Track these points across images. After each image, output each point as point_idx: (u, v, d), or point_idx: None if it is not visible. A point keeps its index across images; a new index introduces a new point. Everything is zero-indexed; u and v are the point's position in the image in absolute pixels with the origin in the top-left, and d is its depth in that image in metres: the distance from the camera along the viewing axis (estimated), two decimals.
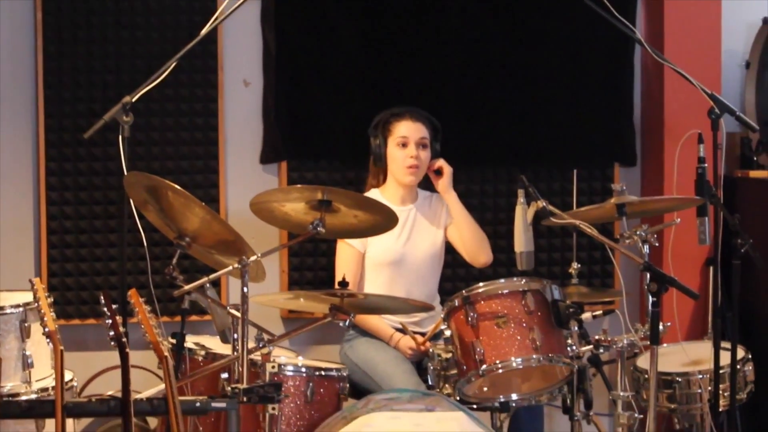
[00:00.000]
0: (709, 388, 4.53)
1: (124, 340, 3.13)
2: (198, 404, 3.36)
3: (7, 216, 5.07)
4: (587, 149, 5.43)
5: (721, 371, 4.46)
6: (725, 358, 4.43)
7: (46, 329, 3.18)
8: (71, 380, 4.36)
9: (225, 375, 3.86)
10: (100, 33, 5.07)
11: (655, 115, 5.45)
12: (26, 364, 4.19)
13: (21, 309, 4.20)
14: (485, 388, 4.15)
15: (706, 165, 4.34)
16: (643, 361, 4.70)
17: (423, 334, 4.52)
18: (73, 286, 5.09)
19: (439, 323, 4.33)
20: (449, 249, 4.77)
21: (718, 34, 5.41)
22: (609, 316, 4.54)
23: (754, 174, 5.31)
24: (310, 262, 5.27)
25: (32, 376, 4.21)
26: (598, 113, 5.43)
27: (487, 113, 5.32)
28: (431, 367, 4.21)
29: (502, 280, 4.13)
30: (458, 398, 4.06)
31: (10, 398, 4.07)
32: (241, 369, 3.63)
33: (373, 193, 4.68)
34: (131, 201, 4.05)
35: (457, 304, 4.08)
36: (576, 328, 4.11)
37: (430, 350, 4.25)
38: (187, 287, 3.74)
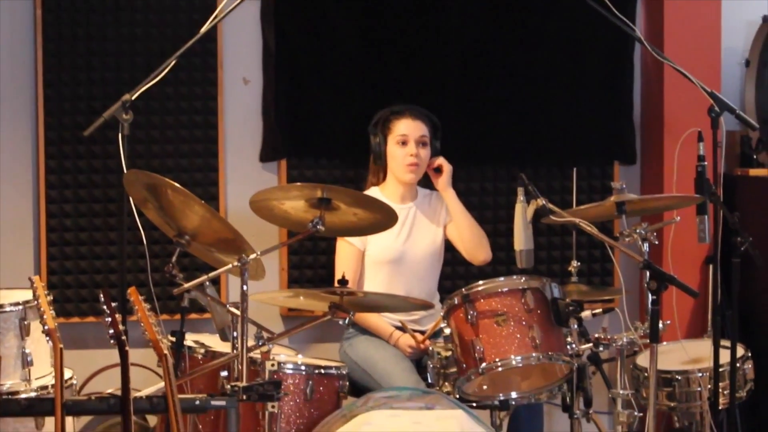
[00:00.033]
0: (709, 386, 4.54)
1: (124, 338, 3.13)
2: (197, 402, 3.37)
3: (7, 214, 5.07)
4: (587, 147, 5.43)
5: (720, 369, 4.46)
6: (725, 356, 4.43)
7: (46, 327, 3.18)
8: (71, 378, 4.36)
9: (224, 373, 3.85)
10: (99, 31, 5.07)
11: (654, 113, 5.45)
12: (26, 362, 4.19)
13: (20, 307, 4.21)
14: (485, 387, 4.15)
15: (705, 163, 4.34)
16: (642, 360, 4.70)
17: (422, 333, 4.52)
18: (73, 284, 5.09)
19: (438, 321, 4.33)
20: (449, 247, 4.77)
21: (717, 32, 5.41)
22: (609, 314, 4.54)
23: (754, 172, 5.31)
24: (310, 260, 5.27)
25: (32, 374, 4.21)
26: (598, 111, 5.43)
27: (486, 111, 5.32)
28: (431, 366, 4.20)
29: (502, 279, 4.14)
30: (458, 396, 4.06)
31: (10, 396, 4.07)
32: (240, 367, 3.63)
33: (372, 191, 4.68)
34: (131, 199, 4.05)
35: (456, 302, 4.08)
36: (576, 327, 4.11)
37: (430, 348, 4.25)
38: (186, 285, 3.74)
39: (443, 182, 4.69)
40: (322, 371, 4.09)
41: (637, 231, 4.16)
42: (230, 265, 3.71)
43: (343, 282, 3.91)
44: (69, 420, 3.79)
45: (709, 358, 4.45)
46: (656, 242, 4.22)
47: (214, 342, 4.15)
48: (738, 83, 5.49)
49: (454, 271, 5.22)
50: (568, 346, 4.07)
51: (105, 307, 3.16)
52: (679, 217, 4.57)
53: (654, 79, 5.44)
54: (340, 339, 4.71)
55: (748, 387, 4.67)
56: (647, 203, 4.56)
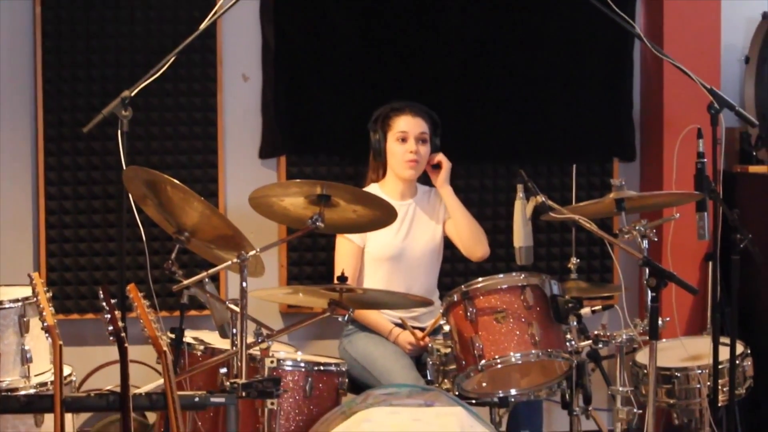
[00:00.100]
0: (708, 383, 4.54)
1: (123, 334, 3.13)
2: (197, 399, 3.36)
3: (6, 211, 5.07)
4: (586, 144, 5.43)
5: (720, 366, 4.46)
6: (724, 353, 4.43)
7: (45, 324, 3.18)
8: (70, 375, 4.36)
9: (224, 370, 3.87)
10: (98, 27, 5.07)
11: (654, 110, 5.45)
12: (25, 359, 4.19)
13: (20, 304, 4.20)
14: (484, 383, 4.16)
15: (705, 160, 4.34)
16: (642, 356, 4.70)
17: (422, 329, 4.52)
18: (72, 280, 5.09)
19: (438, 318, 4.33)
20: (448, 244, 4.77)
21: (717, 29, 5.41)
22: (608, 311, 4.55)
23: (754, 169, 5.31)
24: (309, 256, 5.27)
25: (31, 370, 4.21)
26: (598, 108, 5.43)
27: (486, 108, 5.32)
28: (430, 362, 4.21)
29: (501, 275, 4.13)
30: (457, 393, 4.06)
31: (9, 393, 4.07)
32: (239, 364, 3.63)
33: (372, 188, 4.68)
34: (130, 196, 4.04)
35: (456, 299, 4.08)
36: (575, 323, 4.11)
37: (429, 345, 4.25)
38: (186, 282, 3.73)
39: (441, 179, 4.68)
40: (322, 368, 4.09)
41: (637, 228, 4.16)
42: (229, 262, 3.71)
43: (343, 279, 3.91)
44: (68, 417, 3.80)
45: (708, 355, 4.45)
46: (656, 239, 4.22)
47: (214, 339, 4.14)
48: (737, 80, 5.49)
49: (454, 268, 5.22)
50: (568, 343, 4.08)
51: (104, 303, 3.15)
52: (678, 214, 4.58)
53: (653, 76, 5.44)
54: (339, 336, 4.71)
55: (747, 384, 4.67)
56: (647, 200, 4.55)
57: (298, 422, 4.01)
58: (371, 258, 4.63)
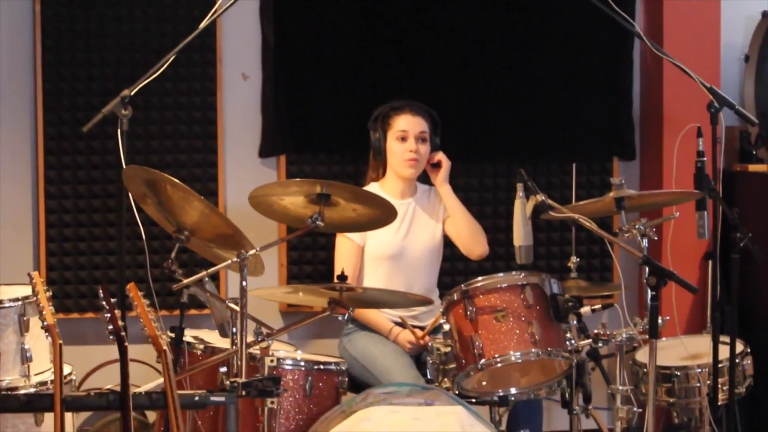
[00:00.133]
0: (708, 382, 4.54)
1: (123, 333, 3.13)
2: (197, 398, 3.36)
3: (6, 210, 5.07)
4: (586, 143, 5.43)
5: (719, 365, 4.46)
6: (724, 352, 4.43)
7: (45, 323, 3.18)
8: (70, 374, 4.36)
9: (224, 369, 3.86)
10: (98, 26, 5.07)
11: (654, 109, 5.45)
12: (25, 358, 4.19)
13: (20, 303, 4.20)
14: (484, 382, 4.16)
15: (705, 159, 4.34)
16: (641, 355, 4.70)
17: (422, 328, 4.52)
18: (72, 279, 5.09)
19: (438, 317, 4.33)
20: (447, 243, 4.77)
21: (717, 27, 5.41)
22: (608, 310, 4.55)
23: (753, 168, 5.31)
24: (309, 255, 5.27)
25: (31, 369, 4.21)
26: (597, 107, 5.43)
27: (486, 107, 5.32)
28: (430, 361, 4.21)
29: (501, 274, 4.13)
30: (457, 392, 4.06)
31: (9, 392, 4.07)
32: (239, 363, 3.63)
33: (372, 187, 4.67)
34: (130, 194, 4.04)
35: (455, 298, 4.08)
36: (575, 322, 4.11)
37: (429, 344, 4.25)
38: (185, 281, 3.73)
39: (440, 178, 4.68)
40: (322, 367, 4.09)
41: (637, 227, 4.16)
42: (229, 261, 3.71)
43: (343, 278, 3.91)
44: (68, 416, 3.80)
45: (708, 354, 4.45)
46: (655, 238, 4.22)
47: (214, 338, 4.14)
48: (737, 79, 5.49)
49: (454, 266, 5.22)
50: (568, 342, 4.08)
51: (104, 302, 3.15)
52: (678, 213, 4.58)
53: (653, 75, 5.44)
54: (339, 335, 4.71)
55: (747, 383, 4.67)
56: (646, 199, 4.55)
57: (298, 421, 4.01)
58: (371, 257, 4.63)
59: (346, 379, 4.16)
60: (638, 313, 5.12)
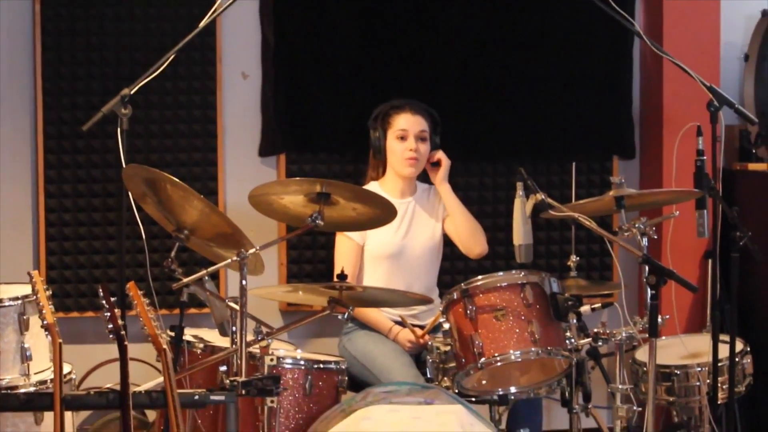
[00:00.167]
0: (708, 380, 4.54)
1: (123, 332, 3.13)
2: (197, 397, 3.36)
3: (6, 209, 5.07)
4: (586, 142, 5.43)
5: (719, 364, 4.46)
6: (724, 350, 4.43)
7: (45, 322, 3.18)
8: (70, 373, 4.36)
9: (224, 368, 3.86)
10: (98, 25, 5.07)
11: (653, 107, 5.45)
12: (25, 357, 4.19)
13: (19, 302, 4.20)
14: (484, 381, 4.16)
15: (704, 157, 4.34)
16: (641, 354, 4.70)
17: (422, 327, 4.52)
18: (72, 278, 5.09)
19: (438, 316, 4.33)
20: (447, 242, 4.77)
21: (717, 26, 5.41)
22: (608, 309, 4.54)
23: (753, 167, 5.31)
24: (309, 254, 5.27)
25: (31, 368, 4.21)
26: (597, 106, 5.43)
27: (486, 106, 5.32)
28: (430, 360, 4.21)
29: (501, 273, 4.13)
30: (457, 391, 4.06)
31: (9, 391, 4.07)
32: (239, 362, 3.63)
33: (372, 186, 4.67)
34: (130, 194, 4.04)
35: (455, 297, 4.08)
36: (575, 321, 4.11)
37: (429, 343, 4.25)
38: (185, 280, 3.74)
39: (440, 177, 4.68)
40: (321, 366, 4.09)
41: (636, 225, 4.16)
42: (229, 260, 3.71)
43: (342, 277, 3.91)
44: (68, 415, 3.80)
45: (708, 353, 4.45)
46: (655, 237, 4.21)
47: (213, 337, 4.15)
48: (737, 77, 5.49)
49: (453, 265, 5.22)
50: (567, 341, 4.08)
51: (104, 301, 3.15)
52: (678, 212, 4.57)
53: (653, 73, 5.44)
54: (339, 334, 4.71)
55: (747, 382, 4.67)
56: (646, 198, 4.55)
57: (297, 420, 4.01)
58: (371, 256, 4.63)
59: (346, 378, 4.15)
60: (638, 311, 5.12)
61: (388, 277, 4.60)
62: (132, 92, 4.16)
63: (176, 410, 3.19)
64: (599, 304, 4.41)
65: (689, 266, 5.26)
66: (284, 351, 4.19)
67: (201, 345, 4.10)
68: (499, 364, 4.01)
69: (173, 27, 5.07)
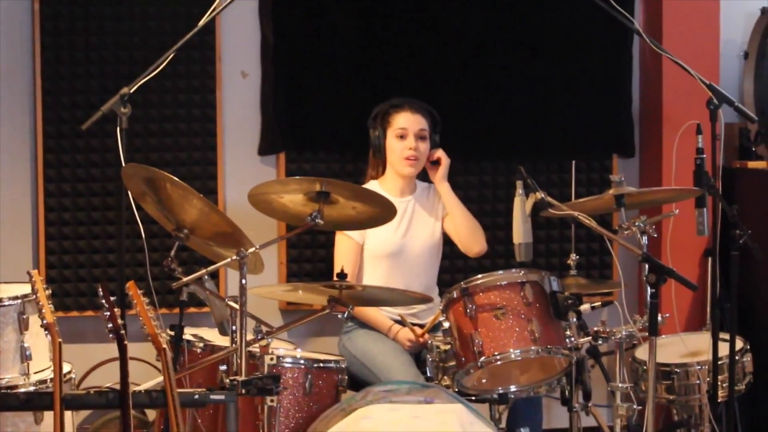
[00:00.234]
0: (708, 379, 4.54)
1: (123, 332, 3.13)
2: (196, 396, 3.36)
3: (6, 208, 5.07)
4: (586, 140, 5.43)
5: (719, 362, 4.46)
6: (724, 349, 4.43)
7: (45, 321, 3.18)
8: (69, 372, 4.36)
9: (223, 367, 3.87)
10: (97, 24, 5.06)
11: (653, 106, 5.45)
12: (24, 357, 4.18)
13: (19, 301, 4.20)
14: (484, 380, 4.15)
15: (704, 156, 4.34)
16: (641, 353, 4.70)
17: (422, 326, 4.52)
18: (72, 278, 5.09)
19: (437, 315, 4.33)
20: (447, 240, 4.77)
21: (716, 24, 5.41)
22: (607, 308, 4.54)
23: (753, 165, 5.31)
24: (309, 253, 5.26)
25: (30, 368, 4.21)
26: (597, 105, 5.43)
27: (485, 105, 5.32)
28: (430, 359, 4.20)
29: (501, 272, 4.13)
30: (457, 390, 4.06)
31: (9, 390, 4.07)
32: (239, 361, 3.63)
33: (371, 185, 4.67)
34: (129, 193, 4.04)
35: (455, 295, 4.08)
36: (574, 320, 4.11)
37: (429, 342, 4.25)
38: (185, 279, 3.73)
39: (439, 175, 4.68)
40: (321, 365, 4.09)
41: (636, 224, 4.16)
42: (229, 259, 3.71)
43: (342, 276, 3.90)
44: (68, 414, 3.80)
45: (708, 351, 4.45)
46: (655, 235, 4.21)
47: (213, 336, 4.15)
48: (737, 75, 5.49)
49: (453, 264, 5.22)
50: (567, 340, 4.08)
51: (104, 301, 3.15)
52: (677, 210, 4.57)
53: (653, 72, 5.44)
54: (339, 333, 4.71)
55: (746, 380, 4.67)
56: (646, 196, 4.55)
57: (297, 419, 4.01)
58: (371, 255, 4.63)
59: (346, 377, 4.16)
60: (638, 310, 5.12)
61: (387, 276, 4.60)
62: (131, 91, 4.16)
63: (176, 409, 3.19)
64: (599, 303, 4.42)
65: (689, 264, 5.26)
66: (284, 350, 4.19)
67: (201, 344, 4.11)
68: (499, 362, 4.01)
69: (172, 26, 5.07)
